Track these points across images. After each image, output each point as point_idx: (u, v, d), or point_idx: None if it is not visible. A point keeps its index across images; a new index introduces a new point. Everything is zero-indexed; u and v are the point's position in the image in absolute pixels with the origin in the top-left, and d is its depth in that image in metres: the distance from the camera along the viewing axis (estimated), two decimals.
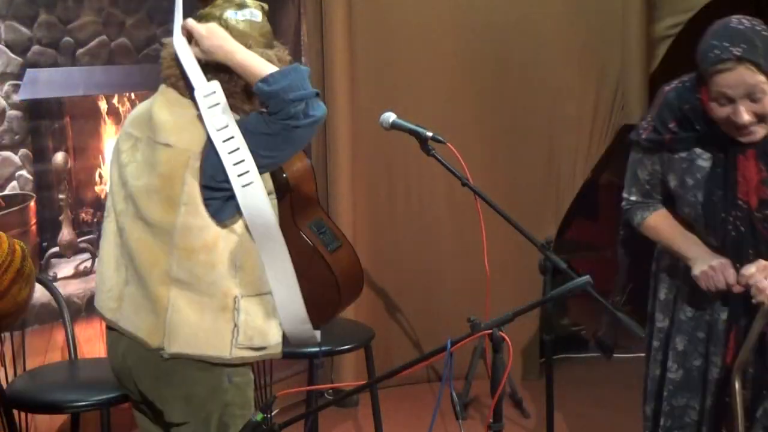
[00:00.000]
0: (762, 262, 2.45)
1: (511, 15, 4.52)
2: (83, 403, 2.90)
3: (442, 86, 4.51)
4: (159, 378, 2.37)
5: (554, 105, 4.60)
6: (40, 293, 3.21)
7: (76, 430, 3.18)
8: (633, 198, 2.72)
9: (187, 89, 2.34)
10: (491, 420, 2.02)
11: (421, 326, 4.67)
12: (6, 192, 3.31)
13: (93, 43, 3.55)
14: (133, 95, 3.70)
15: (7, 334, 3.16)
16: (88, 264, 3.59)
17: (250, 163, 2.26)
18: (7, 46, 3.27)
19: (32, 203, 3.41)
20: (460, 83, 4.53)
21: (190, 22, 2.35)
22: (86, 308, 3.56)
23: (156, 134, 2.34)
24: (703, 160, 2.53)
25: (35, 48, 3.36)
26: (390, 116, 2.80)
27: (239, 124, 2.30)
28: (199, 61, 2.33)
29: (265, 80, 2.24)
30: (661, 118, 2.57)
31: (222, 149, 2.26)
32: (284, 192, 2.39)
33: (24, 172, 3.37)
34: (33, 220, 3.42)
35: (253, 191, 2.27)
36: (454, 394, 2.05)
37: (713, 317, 2.62)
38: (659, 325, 2.75)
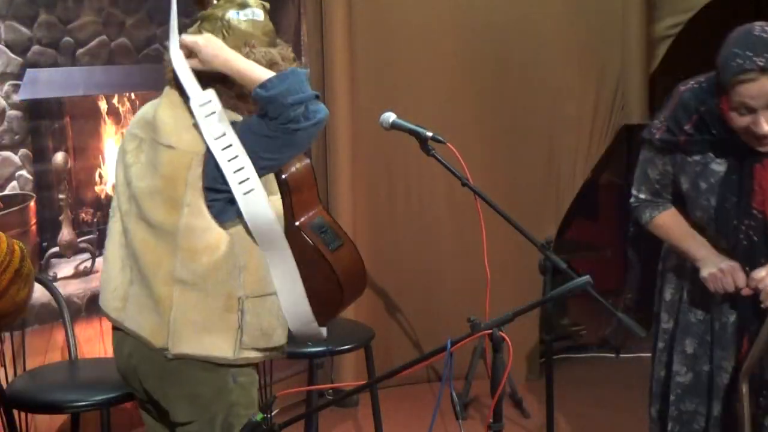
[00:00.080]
0: None
1: (511, 15, 4.53)
2: (83, 403, 2.90)
3: (442, 86, 4.51)
4: (164, 378, 2.37)
5: (554, 105, 4.60)
6: (40, 293, 3.21)
7: (76, 430, 3.18)
8: (642, 196, 2.69)
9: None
10: (491, 420, 2.02)
11: (421, 326, 4.67)
12: (6, 192, 3.31)
13: (93, 43, 3.55)
14: (133, 95, 3.69)
15: (7, 334, 3.16)
16: (88, 264, 3.58)
17: (250, 170, 2.26)
18: (7, 46, 3.27)
19: (32, 203, 3.41)
20: (460, 83, 4.53)
21: (186, 38, 2.34)
22: (86, 308, 3.56)
23: (158, 135, 2.34)
24: (718, 164, 2.50)
25: (35, 48, 3.36)
26: (390, 116, 2.80)
27: (241, 124, 2.30)
28: (198, 71, 2.32)
29: (263, 86, 2.23)
30: (676, 118, 2.52)
31: (221, 157, 2.25)
32: (284, 192, 2.38)
33: (24, 172, 3.37)
34: (33, 220, 3.42)
35: (255, 198, 2.27)
36: (454, 394, 2.06)
37: (721, 320, 2.59)
38: (664, 326, 2.73)
